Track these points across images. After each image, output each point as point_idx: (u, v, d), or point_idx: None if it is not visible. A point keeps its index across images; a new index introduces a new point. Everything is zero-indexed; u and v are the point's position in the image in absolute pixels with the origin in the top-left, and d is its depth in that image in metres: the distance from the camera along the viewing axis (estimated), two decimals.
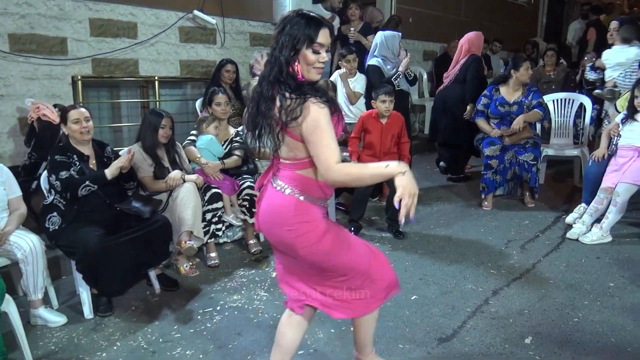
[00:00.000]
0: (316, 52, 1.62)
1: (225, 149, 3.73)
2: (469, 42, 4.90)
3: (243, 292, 3.05)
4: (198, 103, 4.30)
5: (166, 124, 3.31)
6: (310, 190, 1.70)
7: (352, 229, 3.79)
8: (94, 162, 2.97)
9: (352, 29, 5.23)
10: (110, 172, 2.84)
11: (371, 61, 4.71)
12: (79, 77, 4.04)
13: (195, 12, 4.61)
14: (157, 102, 4.60)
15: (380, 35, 4.72)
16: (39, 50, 3.82)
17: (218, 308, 2.87)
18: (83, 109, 2.93)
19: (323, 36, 1.62)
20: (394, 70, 4.54)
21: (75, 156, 2.85)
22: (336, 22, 5.54)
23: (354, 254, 1.78)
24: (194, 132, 3.68)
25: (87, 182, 2.78)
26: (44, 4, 3.81)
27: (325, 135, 1.58)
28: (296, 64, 1.63)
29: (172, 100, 4.94)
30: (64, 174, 2.76)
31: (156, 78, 4.53)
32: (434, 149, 5.89)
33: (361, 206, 3.88)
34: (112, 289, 2.81)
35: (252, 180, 3.65)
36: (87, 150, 2.95)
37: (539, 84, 6.08)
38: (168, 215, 3.23)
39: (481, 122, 4.38)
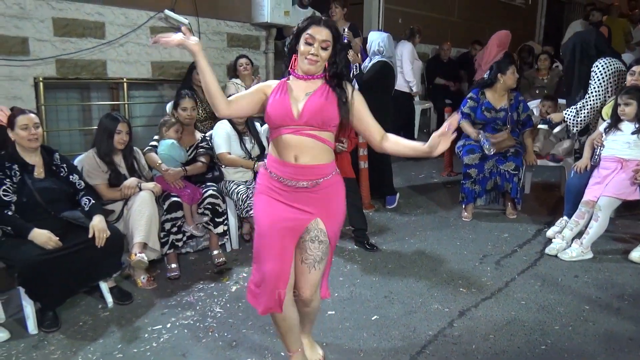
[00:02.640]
0: (308, 44, 1.87)
1: (189, 154, 3.61)
2: (499, 40, 4.81)
3: (198, 307, 2.92)
4: (169, 106, 4.16)
5: (122, 129, 3.20)
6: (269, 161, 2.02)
7: (367, 243, 3.68)
8: (41, 170, 2.85)
9: (345, 29, 5.05)
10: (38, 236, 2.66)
11: (376, 59, 4.40)
12: (41, 79, 3.92)
13: (167, 11, 4.48)
14: (126, 105, 4.49)
15: (381, 35, 4.45)
16: None
17: (168, 325, 2.74)
18: (33, 115, 2.80)
19: (315, 30, 1.87)
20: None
21: (16, 166, 2.72)
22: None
23: (258, 239, 2.00)
24: (156, 137, 3.56)
25: (5, 227, 2.66)
26: (3, 2, 3.70)
27: None
28: (293, 58, 1.95)
29: (145, 103, 4.83)
30: None
31: (124, 80, 4.41)
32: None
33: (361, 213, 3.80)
34: (52, 302, 2.70)
35: (216, 189, 3.51)
36: (33, 158, 2.82)
37: (531, 89, 5.94)
38: (122, 226, 3.14)
39: (466, 125, 4.19)
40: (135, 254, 2.93)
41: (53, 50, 3.96)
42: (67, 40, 4.02)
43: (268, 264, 1.95)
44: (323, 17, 1.94)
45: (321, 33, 1.87)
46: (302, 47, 1.89)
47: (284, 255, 1.96)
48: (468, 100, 4.24)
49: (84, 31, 4.11)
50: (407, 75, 6.04)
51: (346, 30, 4.99)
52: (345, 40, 4.93)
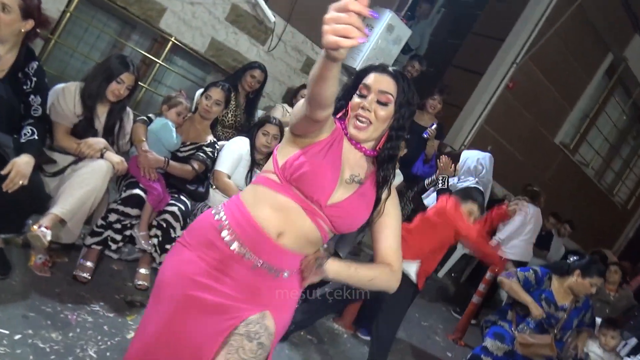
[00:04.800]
0: (361, 96, 1.51)
1: (186, 151, 3.18)
2: None
3: (70, 335, 2.31)
4: (198, 93, 3.76)
5: (126, 80, 2.79)
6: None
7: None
8: (3, 68, 2.38)
9: (434, 125, 4.65)
10: None
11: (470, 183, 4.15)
12: None
13: None
14: (160, 66, 4.15)
15: (482, 153, 4.30)
16: None
17: (17, 337, 2.14)
18: None
19: (373, 79, 1.51)
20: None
21: None
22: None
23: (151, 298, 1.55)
24: (157, 112, 3.16)
25: None
26: None
27: None
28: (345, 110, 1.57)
29: (182, 76, 4.47)
30: None
31: (173, 38, 4.05)
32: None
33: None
34: None
35: (184, 209, 2.99)
36: (5, 47, 2.35)
37: (592, 299, 5.29)
38: (54, 184, 2.65)
39: (520, 291, 3.50)
40: (40, 226, 2.35)
41: None
42: None
43: (142, 339, 1.51)
44: (387, 66, 1.55)
45: (381, 82, 1.50)
46: (354, 99, 1.52)
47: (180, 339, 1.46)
48: (531, 269, 3.62)
49: None
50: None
51: (434, 126, 4.58)
52: (426, 135, 4.53)
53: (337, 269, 1.50)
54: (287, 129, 1.56)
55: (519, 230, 5.33)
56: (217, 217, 1.51)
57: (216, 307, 1.45)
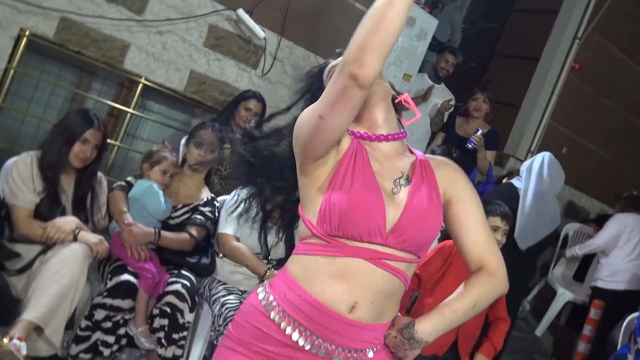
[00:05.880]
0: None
1: (177, 216, 3.27)
2: None
3: None
4: (183, 142, 3.87)
5: (91, 139, 2.92)
6: None
7: None
8: None
9: (480, 131, 4.69)
10: None
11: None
12: (28, 33, 3.77)
13: (240, 12, 4.31)
14: (130, 115, 4.29)
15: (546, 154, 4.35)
16: None
17: None
18: None
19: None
20: None
21: None
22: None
23: None
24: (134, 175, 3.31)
25: None
26: None
27: None
28: None
29: (161, 123, 4.63)
30: None
31: (143, 79, 4.21)
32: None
33: None
34: None
35: (189, 286, 3.04)
36: None
37: None
38: (23, 283, 2.74)
39: None
40: (11, 339, 2.40)
41: (64, 3, 3.83)
42: None
43: None
44: None
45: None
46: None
47: None
48: None
49: None
50: None
51: (480, 132, 4.59)
52: (470, 146, 4.57)
53: (433, 326, 1.54)
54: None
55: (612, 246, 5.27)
56: (263, 302, 1.56)
57: None
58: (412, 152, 1.69)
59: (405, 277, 1.55)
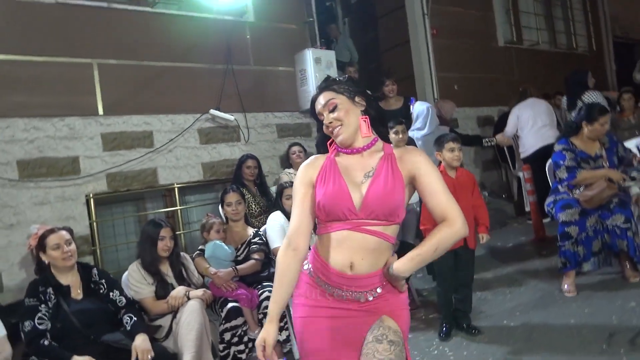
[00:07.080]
0: (322, 121, 1.72)
1: (241, 252, 3.34)
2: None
3: None
4: (220, 208, 3.95)
5: (165, 235, 3.00)
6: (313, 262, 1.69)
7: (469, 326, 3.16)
8: (78, 290, 2.65)
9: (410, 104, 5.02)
10: None
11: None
12: (92, 195, 3.87)
13: (212, 111, 4.44)
14: (180, 211, 4.38)
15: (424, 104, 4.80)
16: (50, 172, 3.72)
17: None
18: (63, 232, 2.66)
19: (317, 103, 1.72)
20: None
21: (50, 289, 2.51)
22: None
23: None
24: (202, 242, 3.35)
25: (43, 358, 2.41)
26: (53, 125, 3.76)
27: None
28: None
29: (201, 205, 4.67)
30: (27, 326, 2.40)
31: (176, 185, 4.31)
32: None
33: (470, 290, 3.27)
34: None
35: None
36: (69, 277, 2.63)
37: (617, 132, 5.25)
38: (172, 342, 2.80)
39: (585, 173, 3.43)
40: None
41: (103, 165, 3.94)
42: (116, 154, 4.01)
43: None
44: (320, 85, 1.75)
45: (319, 101, 1.70)
46: (323, 127, 1.71)
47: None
48: (563, 152, 3.49)
49: (132, 142, 4.10)
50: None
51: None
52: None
53: (406, 266, 1.57)
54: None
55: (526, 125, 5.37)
56: (305, 267, 1.68)
57: (343, 320, 1.61)
58: (384, 150, 1.68)
59: (384, 235, 1.59)
